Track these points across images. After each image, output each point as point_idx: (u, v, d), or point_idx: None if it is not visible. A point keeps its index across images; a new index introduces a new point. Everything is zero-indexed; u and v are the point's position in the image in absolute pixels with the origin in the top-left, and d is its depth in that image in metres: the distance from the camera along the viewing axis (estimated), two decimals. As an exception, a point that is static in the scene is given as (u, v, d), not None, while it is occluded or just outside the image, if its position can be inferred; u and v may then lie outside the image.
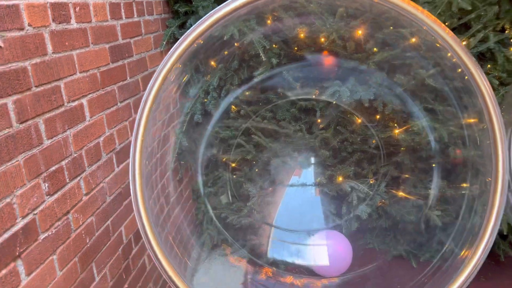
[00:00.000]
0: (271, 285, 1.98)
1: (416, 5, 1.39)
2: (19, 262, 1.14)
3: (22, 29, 1.17)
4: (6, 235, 1.09)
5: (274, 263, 2.08)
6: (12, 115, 1.12)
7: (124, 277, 1.77)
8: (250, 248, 2.30)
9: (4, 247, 1.08)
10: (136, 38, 1.94)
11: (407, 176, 2.51)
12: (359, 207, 2.46)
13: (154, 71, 2.04)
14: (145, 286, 1.99)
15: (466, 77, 1.51)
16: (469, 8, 2.10)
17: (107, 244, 1.63)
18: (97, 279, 1.55)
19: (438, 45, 1.55)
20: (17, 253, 1.13)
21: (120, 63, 1.77)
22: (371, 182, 2.58)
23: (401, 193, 2.52)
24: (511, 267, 2.47)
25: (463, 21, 2.24)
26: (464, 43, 2.27)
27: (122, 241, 1.76)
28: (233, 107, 2.57)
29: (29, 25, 1.20)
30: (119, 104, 1.76)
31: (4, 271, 1.08)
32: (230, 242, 2.58)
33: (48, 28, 1.28)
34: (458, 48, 1.42)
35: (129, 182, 1.43)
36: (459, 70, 1.52)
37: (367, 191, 2.47)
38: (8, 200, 1.10)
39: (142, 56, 2.01)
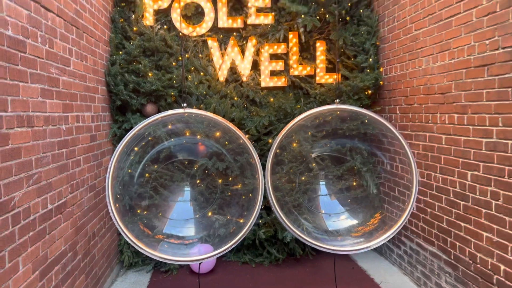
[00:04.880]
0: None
1: (234, 125, 3.50)
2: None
3: (32, 126, 2.96)
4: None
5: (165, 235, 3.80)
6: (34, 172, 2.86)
7: (87, 254, 3.33)
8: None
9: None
10: (99, 132, 3.76)
11: (246, 212, 4.47)
12: (220, 229, 4.30)
13: (105, 149, 3.86)
14: (93, 269, 3.51)
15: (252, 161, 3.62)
16: (267, 124, 4.36)
17: (84, 229, 3.24)
18: (79, 244, 3.13)
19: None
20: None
21: (93, 143, 3.56)
22: (228, 217, 4.48)
23: (243, 221, 4.44)
24: (304, 261, 4.45)
25: (269, 130, 4.49)
26: (270, 141, 4.50)
27: (88, 233, 3.36)
28: (147, 174, 4.39)
29: (43, 125, 3.00)
30: (91, 163, 3.50)
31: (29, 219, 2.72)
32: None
33: (47, 127, 3.09)
34: (249, 145, 3.53)
35: (92, 204, 3.14)
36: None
37: (224, 220, 4.35)
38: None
39: (101, 142, 3.81)
